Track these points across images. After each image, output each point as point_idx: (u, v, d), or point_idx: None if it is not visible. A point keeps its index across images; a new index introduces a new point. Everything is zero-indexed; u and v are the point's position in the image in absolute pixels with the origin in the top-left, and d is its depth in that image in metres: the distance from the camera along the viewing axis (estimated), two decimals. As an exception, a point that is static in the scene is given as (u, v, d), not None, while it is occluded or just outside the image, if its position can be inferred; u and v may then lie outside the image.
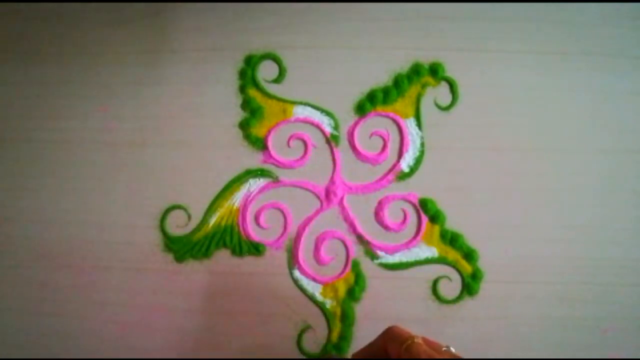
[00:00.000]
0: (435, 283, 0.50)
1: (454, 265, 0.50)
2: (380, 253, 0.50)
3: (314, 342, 0.49)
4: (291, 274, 0.50)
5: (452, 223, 0.50)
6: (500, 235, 0.50)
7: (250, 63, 0.52)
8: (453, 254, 0.50)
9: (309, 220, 0.51)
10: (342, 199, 0.51)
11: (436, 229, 0.50)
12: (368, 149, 0.51)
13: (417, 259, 0.50)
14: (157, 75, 0.53)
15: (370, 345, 0.39)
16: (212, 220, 0.51)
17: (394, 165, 0.51)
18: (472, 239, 0.50)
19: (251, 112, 0.52)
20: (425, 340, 0.36)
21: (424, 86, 0.52)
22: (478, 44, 0.52)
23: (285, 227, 0.51)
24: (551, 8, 0.52)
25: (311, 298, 0.50)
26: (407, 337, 0.36)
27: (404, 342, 0.35)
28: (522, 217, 0.50)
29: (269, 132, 0.52)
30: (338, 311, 0.49)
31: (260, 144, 0.51)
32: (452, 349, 0.35)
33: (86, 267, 0.51)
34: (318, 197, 0.51)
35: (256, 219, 0.51)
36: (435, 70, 0.52)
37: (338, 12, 0.53)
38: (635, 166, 0.50)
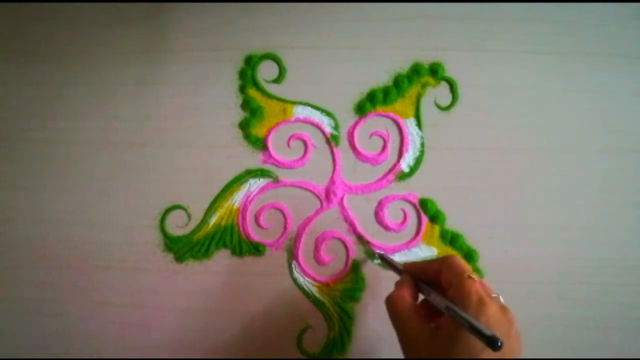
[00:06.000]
0: (435, 283, 0.50)
1: (454, 265, 0.50)
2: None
3: (314, 342, 0.49)
4: (291, 274, 0.50)
5: (452, 223, 0.50)
6: (500, 235, 0.50)
7: (250, 63, 0.52)
8: (453, 254, 0.50)
9: (309, 220, 0.51)
10: (342, 199, 0.51)
11: (436, 229, 0.50)
12: (368, 149, 0.51)
13: (417, 259, 0.50)
14: (157, 75, 0.53)
15: (425, 262, 0.39)
16: (212, 220, 0.51)
17: (394, 165, 0.51)
18: (472, 239, 0.50)
19: (251, 112, 0.52)
20: (479, 281, 0.36)
21: (424, 86, 0.52)
22: (478, 44, 0.52)
23: (285, 227, 0.51)
24: (551, 8, 0.52)
25: (311, 298, 0.50)
26: (465, 270, 0.36)
27: (461, 274, 0.35)
28: (522, 217, 0.50)
29: (269, 132, 0.52)
30: (338, 311, 0.49)
31: (260, 144, 0.51)
32: (502, 299, 0.35)
33: (86, 267, 0.51)
34: (318, 197, 0.51)
35: (256, 219, 0.51)
36: (435, 70, 0.51)
37: (338, 12, 0.53)
38: (635, 166, 0.50)
